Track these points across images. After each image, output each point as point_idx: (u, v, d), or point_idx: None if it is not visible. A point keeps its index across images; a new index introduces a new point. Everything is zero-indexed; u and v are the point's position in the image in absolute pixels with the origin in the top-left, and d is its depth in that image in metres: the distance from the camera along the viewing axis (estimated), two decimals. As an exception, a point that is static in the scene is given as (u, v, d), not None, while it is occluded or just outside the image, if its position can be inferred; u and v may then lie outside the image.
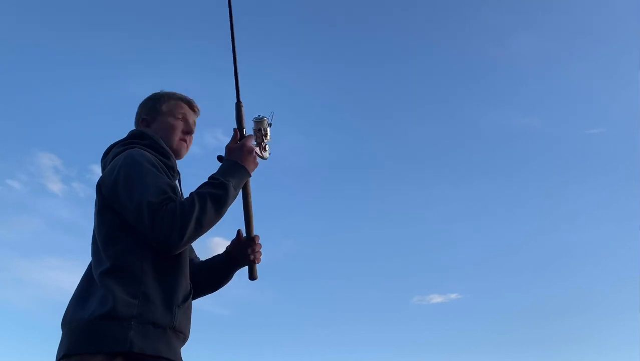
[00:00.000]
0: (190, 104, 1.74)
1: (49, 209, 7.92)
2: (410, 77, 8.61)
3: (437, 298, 7.64)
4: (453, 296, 7.69)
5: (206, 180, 1.44)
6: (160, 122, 1.69)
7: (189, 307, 1.45)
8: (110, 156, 1.57)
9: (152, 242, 1.32)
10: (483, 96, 8.53)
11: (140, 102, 1.78)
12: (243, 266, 1.69)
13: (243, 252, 1.66)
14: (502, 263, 8.15)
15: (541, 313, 7.63)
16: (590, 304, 7.50)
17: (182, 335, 1.39)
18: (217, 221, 1.39)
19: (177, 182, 1.57)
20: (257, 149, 1.56)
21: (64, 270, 7.65)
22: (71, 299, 1.42)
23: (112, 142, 1.65)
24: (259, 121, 1.58)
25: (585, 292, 7.69)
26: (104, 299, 1.28)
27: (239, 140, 1.56)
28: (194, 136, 1.73)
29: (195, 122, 1.74)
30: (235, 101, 1.62)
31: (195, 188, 1.42)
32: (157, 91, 1.76)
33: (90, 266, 1.45)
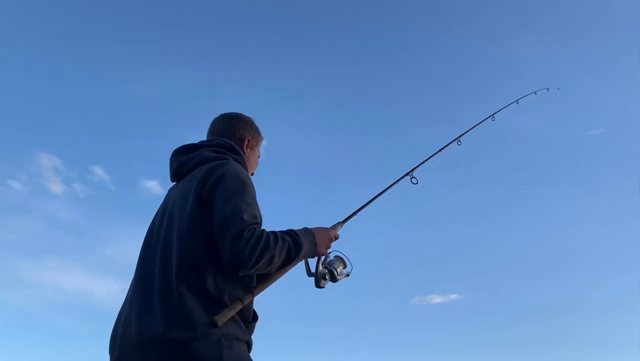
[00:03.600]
0: None
1: (49, 209, 7.94)
2: (410, 77, 8.62)
3: (437, 299, 7.65)
4: (453, 296, 7.69)
5: (288, 229, 1.49)
6: (254, 152, 1.80)
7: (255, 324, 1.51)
8: (196, 156, 1.60)
9: (228, 256, 1.33)
10: (483, 97, 8.54)
11: (228, 114, 1.79)
12: None
13: None
14: (502, 263, 8.15)
15: (541, 313, 7.64)
16: (591, 304, 7.50)
17: (250, 348, 1.44)
18: (275, 268, 1.43)
19: None
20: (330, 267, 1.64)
21: (64, 270, 7.66)
22: (136, 308, 1.40)
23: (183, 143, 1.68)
24: (341, 261, 1.67)
25: (585, 292, 7.69)
26: (190, 318, 1.30)
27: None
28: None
29: None
30: None
31: (279, 230, 1.46)
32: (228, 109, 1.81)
33: (147, 268, 1.46)
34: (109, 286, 7.84)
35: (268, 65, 8.68)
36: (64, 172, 7.80)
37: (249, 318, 1.45)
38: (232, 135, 1.73)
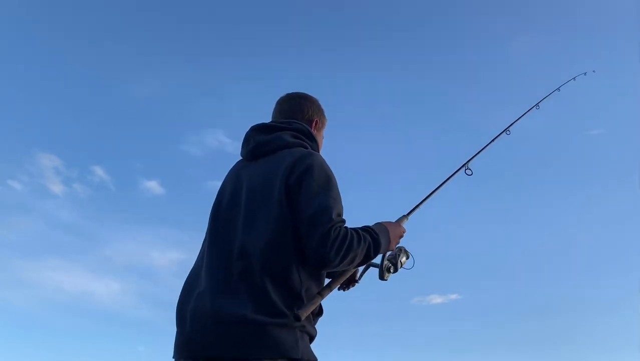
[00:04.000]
0: None
1: (49, 210, 7.93)
2: (410, 78, 8.62)
3: (437, 299, 7.64)
4: (453, 296, 7.69)
5: (365, 226, 1.49)
6: (320, 134, 1.76)
7: None
8: (276, 139, 1.57)
9: (313, 253, 1.33)
10: (483, 98, 8.54)
11: (284, 95, 1.77)
12: None
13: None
14: (502, 264, 8.16)
15: (541, 313, 7.65)
16: (591, 304, 7.52)
17: (312, 341, 1.43)
18: (354, 267, 1.47)
19: None
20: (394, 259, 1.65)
21: (64, 270, 7.66)
22: (211, 286, 1.38)
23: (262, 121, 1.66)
24: (404, 254, 1.68)
25: (585, 292, 7.70)
26: (273, 305, 1.31)
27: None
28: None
29: None
30: None
31: (359, 228, 1.46)
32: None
33: (221, 245, 1.45)
34: (109, 286, 7.85)
35: (269, 63, 8.67)
36: (64, 173, 7.80)
37: (316, 311, 1.45)
38: (301, 116, 1.70)
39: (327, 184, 1.43)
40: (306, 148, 1.58)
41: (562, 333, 7.34)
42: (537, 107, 2.84)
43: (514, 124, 2.60)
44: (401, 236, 1.65)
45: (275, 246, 1.37)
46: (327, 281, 1.54)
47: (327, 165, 1.51)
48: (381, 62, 8.62)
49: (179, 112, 8.46)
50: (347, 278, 1.70)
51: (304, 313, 1.33)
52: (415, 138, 8.40)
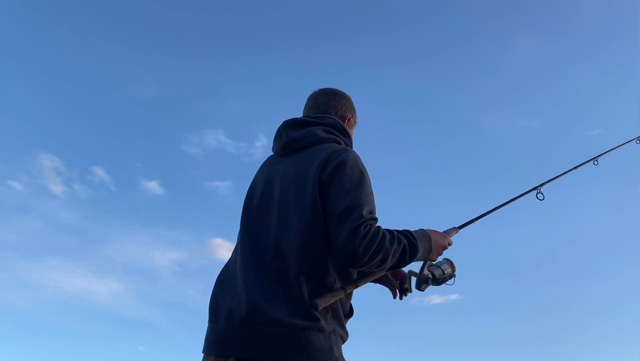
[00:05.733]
0: None
1: (50, 210, 7.91)
2: (410, 78, 8.62)
3: (437, 299, 7.64)
4: (453, 297, 7.69)
5: (404, 229, 1.44)
6: (352, 132, 1.72)
7: None
8: (309, 134, 1.54)
9: (341, 251, 1.30)
10: (483, 98, 8.53)
11: (314, 91, 1.73)
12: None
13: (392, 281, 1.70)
14: (502, 264, 8.16)
15: (541, 312, 7.64)
16: (591, 304, 7.50)
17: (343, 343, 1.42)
18: (386, 269, 1.41)
19: None
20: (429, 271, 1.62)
21: (64, 271, 7.67)
22: (248, 285, 1.36)
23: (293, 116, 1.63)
24: (449, 266, 1.65)
25: (585, 292, 7.70)
26: (310, 308, 1.29)
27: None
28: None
29: None
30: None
31: (395, 229, 1.42)
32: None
33: (258, 242, 1.42)
34: (109, 287, 7.84)
35: (269, 63, 8.66)
36: (64, 173, 7.78)
37: (346, 311, 1.43)
38: (335, 111, 1.67)
39: (360, 180, 1.38)
40: (339, 144, 1.55)
41: (562, 333, 7.34)
42: (638, 141, 2.58)
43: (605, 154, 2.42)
44: (445, 248, 1.59)
45: (309, 246, 1.34)
46: None
47: (361, 161, 1.46)
48: (380, 63, 8.61)
49: (179, 112, 8.45)
50: (403, 288, 1.67)
51: (321, 303, 1.30)
52: (415, 138, 8.40)
